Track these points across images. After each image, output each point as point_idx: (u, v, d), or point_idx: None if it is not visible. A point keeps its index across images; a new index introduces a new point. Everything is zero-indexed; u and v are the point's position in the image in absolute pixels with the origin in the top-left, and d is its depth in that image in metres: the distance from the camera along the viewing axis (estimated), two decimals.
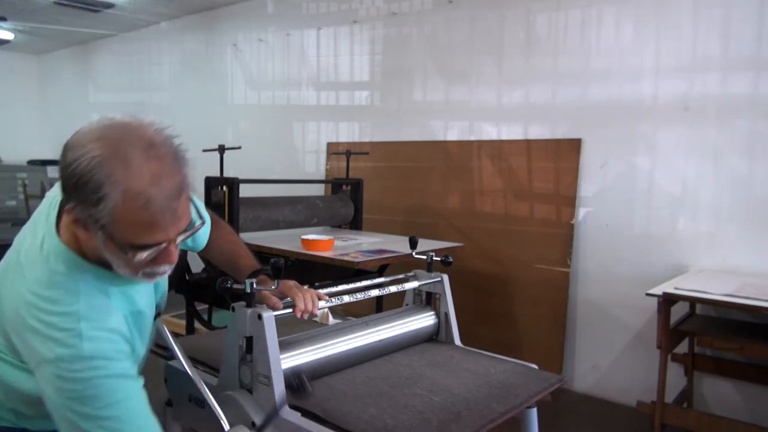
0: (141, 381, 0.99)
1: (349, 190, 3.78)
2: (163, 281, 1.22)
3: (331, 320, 1.39)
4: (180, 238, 0.94)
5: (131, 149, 0.86)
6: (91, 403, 0.91)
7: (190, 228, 0.95)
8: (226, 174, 3.21)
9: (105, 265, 0.97)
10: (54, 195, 1.06)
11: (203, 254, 1.46)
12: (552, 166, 3.43)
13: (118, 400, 0.93)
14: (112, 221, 0.86)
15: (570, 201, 3.34)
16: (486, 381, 1.36)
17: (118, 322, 0.99)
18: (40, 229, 1.03)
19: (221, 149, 3.40)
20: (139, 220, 0.87)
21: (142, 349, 1.11)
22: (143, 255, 0.91)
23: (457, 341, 1.60)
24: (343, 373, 1.35)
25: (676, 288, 2.48)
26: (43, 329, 0.93)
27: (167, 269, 0.98)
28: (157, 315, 1.20)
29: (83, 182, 0.85)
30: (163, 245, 0.92)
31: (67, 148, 0.88)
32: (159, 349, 1.49)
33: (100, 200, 0.85)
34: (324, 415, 1.14)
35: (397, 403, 1.21)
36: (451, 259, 1.60)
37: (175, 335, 1.23)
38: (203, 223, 0.99)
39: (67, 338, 0.92)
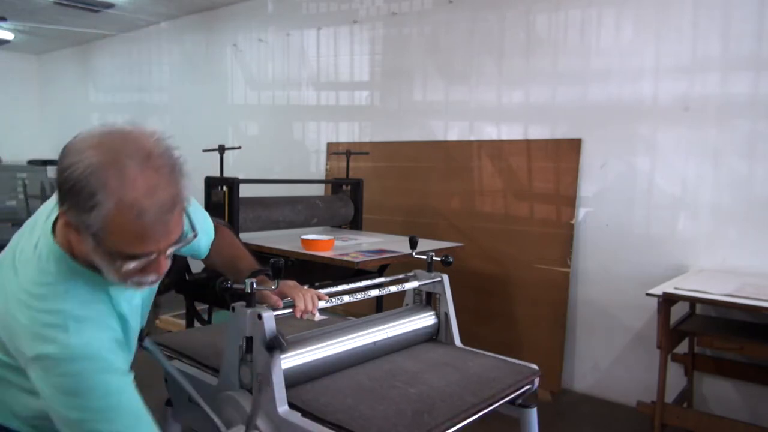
0: (131, 376, 0.99)
1: (349, 190, 3.78)
2: (148, 299, 1.21)
3: (318, 317, 1.39)
4: (170, 251, 0.94)
5: (128, 159, 0.86)
6: (83, 396, 0.92)
7: (182, 240, 0.95)
8: (226, 174, 3.21)
9: (95, 268, 0.97)
10: (54, 199, 1.06)
11: (205, 262, 1.45)
12: (552, 166, 3.43)
13: (109, 393, 0.94)
14: (104, 229, 0.86)
15: (570, 201, 3.34)
16: (463, 374, 1.38)
17: (106, 319, 1.00)
18: (38, 230, 1.04)
19: (221, 149, 3.40)
20: (131, 231, 0.87)
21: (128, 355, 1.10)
22: (132, 265, 0.91)
23: (457, 341, 1.60)
24: (342, 373, 1.35)
25: (676, 288, 2.48)
26: (32, 326, 0.93)
27: (156, 279, 0.99)
28: (146, 334, 1.20)
29: (78, 188, 0.85)
30: (153, 256, 0.92)
31: (65, 152, 0.88)
32: (176, 355, 1.49)
33: (93, 207, 0.85)
34: (303, 405, 1.15)
35: (375, 395, 1.23)
36: (451, 259, 1.60)
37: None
38: (195, 236, 0.99)
39: (55, 335, 0.92)
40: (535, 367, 1.46)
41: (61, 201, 0.90)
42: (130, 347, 1.10)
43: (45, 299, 0.95)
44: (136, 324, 1.12)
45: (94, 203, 0.85)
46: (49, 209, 1.07)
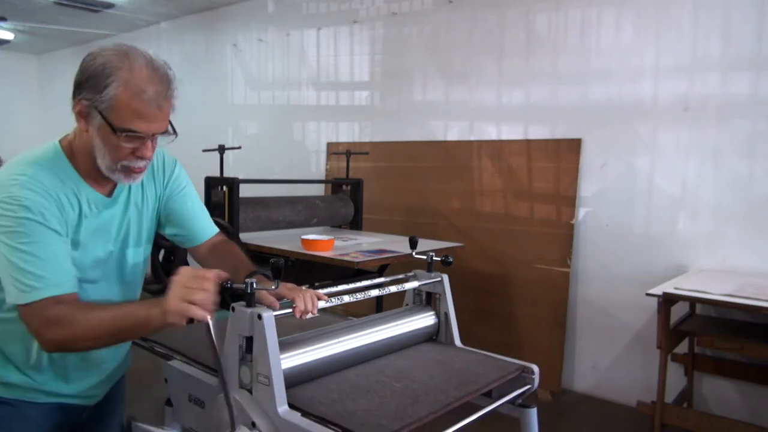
0: (66, 241, 1.16)
1: (349, 190, 3.78)
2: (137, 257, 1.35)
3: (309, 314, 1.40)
4: (159, 135, 1.16)
5: (136, 58, 1.13)
6: (16, 238, 1.08)
7: (167, 133, 1.17)
8: (226, 174, 3.22)
9: (83, 170, 1.19)
10: None
11: (207, 266, 1.46)
12: (552, 166, 3.43)
13: (39, 241, 1.10)
14: (111, 106, 1.10)
15: (570, 201, 3.34)
16: (448, 369, 1.39)
17: (58, 195, 1.15)
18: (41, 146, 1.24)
19: (221, 149, 3.40)
20: (133, 107, 1.10)
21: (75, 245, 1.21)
22: (130, 143, 1.13)
23: (457, 341, 1.60)
24: (340, 373, 1.35)
25: (676, 288, 2.48)
26: None
27: (142, 165, 1.19)
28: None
29: (95, 74, 1.10)
30: (145, 139, 1.14)
31: (87, 55, 1.14)
32: (159, 348, 1.49)
33: (106, 87, 1.09)
34: (294, 403, 1.16)
35: (360, 389, 1.25)
36: (451, 259, 1.60)
37: None
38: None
39: (9, 183, 1.10)
40: (520, 362, 1.47)
41: (78, 91, 1.13)
42: (77, 233, 1.21)
43: (18, 163, 1.15)
44: (89, 232, 1.22)
45: (107, 83, 1.09)
46: None
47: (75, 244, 1.19)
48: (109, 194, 1.26)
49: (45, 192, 1.12)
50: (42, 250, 1.09)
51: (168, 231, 1.43)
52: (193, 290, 1.02)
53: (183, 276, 1.04)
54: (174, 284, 1.03)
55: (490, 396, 1.48)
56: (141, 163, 1.18)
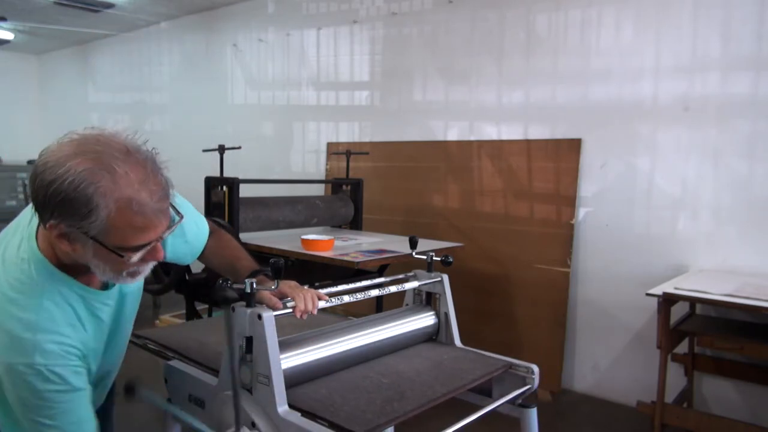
0: (88, 390, 1.05)
1: (349, 190, 3.78)
2: (132, 303, 1.24)
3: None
4: (166, 234, 1.00)
5: (112, 159, 0.90)
6: (36, 411, 0.98)
7: (172, 224, 1.01)
8: (226, 174, 3.21)
9: (76, 272, 1.03)
10: None
11: (204, 262, 1.45)
12: (552, 166, 3.43)
13: (62, 412, 0.99)
14: (106, 229, 0.91)
15: (570, 201, 3.34)
16: (436, 365, 1.41)
17: (75, 336, 1.02)
18: (20, 232, 1.07)
19: (221, 149, 3.40)
20: (134, 225, 0.92)
21: (95, 360, 1.12)
22: (137, 255, 0.97)
23: (457, 341, 1.60)
24: (340, 374, 1.35)
25: (676, 288, 2.48)
26: (2, 333, 0.97)
27: (151, 266, 1.05)
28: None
29: (70, 198, 0.88)
30: (152, 244, 0.98)
31: (41, 169, 0.90)
32: (160, 348, 1.49)
33: (91, 212, 0.89)
34: (289, 399, 1.16)
35: (348, 384, 1.26)
36: (451, 259, 1.60)
37: None
38: (182, 217, 1.03)
39: (22, 347, 0.96)
40: (507, 359, 1.48)
41: (49, 215, 0.92)
42: (99, 336, 1.12)
43: (18, 307, 0.98)
44: (116, 323, 1.15)
45: (91, 208, 0.89)
46: (33, 211, 1.06)
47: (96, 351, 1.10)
48: (103, 284, 1.12)
49: (63, 348, 0.99)
50: (67, 419, 1.00)
51: (170, 256, 1.31)
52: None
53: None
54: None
55: (490, 396, 1.49)
56: (151, 265, 1.04)
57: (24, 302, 0.98)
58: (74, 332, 1.02)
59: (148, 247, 0.97)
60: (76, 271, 1.04)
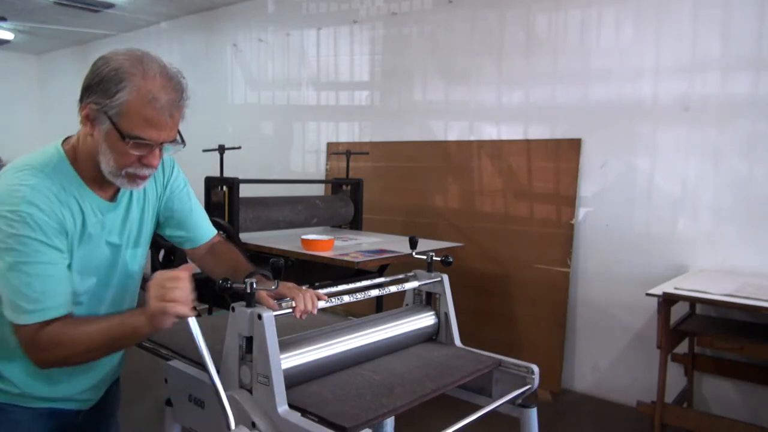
0: (65, 257, 1.13)
1: (349, 190, 3.78)
2: (142, 255, 1.35)
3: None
4: (167, 143, 1.14)
5: (150, 64, 1.11)
6: (16, 256, 1.06)
7: (176, 142, 1.16)
8: (226, 174, 3.22)
9: (87, 175, 1.17)
10: None
11: (204, 267, 1.48)
12: (552, 166, 3.43)
13: (38, 261, 1.07)
14: (122, 111, 1.08)
15: (570, 201, 3.34)
16: (426, 362, 1.42)
17: (60, 208, 1.12)
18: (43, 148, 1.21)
19: (221, 149, 3.40)
20: (144, 114, 1.08)
21: (82, 258, 1.19)
22: (138, 150, 1.11)
23: (457, 341, 1.60)
24: (341, 374, 1.35)
25: (676, 288, 2.48)
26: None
27: (147, 173, 1.17)
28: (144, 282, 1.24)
29: (107, 78, 1.08)
30: (153, 146, 1.12)
31: (98, 59, 1.12)
32: (160, 348, 1.49)
33: (117, 92, 1.07)
34: (289, 399, 1.17)
35: (338, 381, 1.28)
36: (451, 259, 1.60)
37: None
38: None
39: (11, 194, 1.08)
40: (498, 356, 1.48)
41: (87, 94, 1.10)
42: (81, 245, 1.19)
43: (22, 170, 1.12)
44: (98, 236, 1.22)
45: (119, 89, 1.07)
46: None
47: (76, 250, 1.17)
48: (112, 198, 1.25)
49: (49, 206, 1.10)
50: (39, 272, 1.07)
51: (168, 232, 1.42)
52: (170, 289, 1.03)
53: (157, 279, 1.05)
54: (151, 288, 1.04)
55: (490, 396, 1.49)
56: (146, 171, 1.16)
57: (25, 172, 1.11)
58: (60, 205, 1.12)
59: (149, 147, 1.11)
60: (87, 176, 1.18)
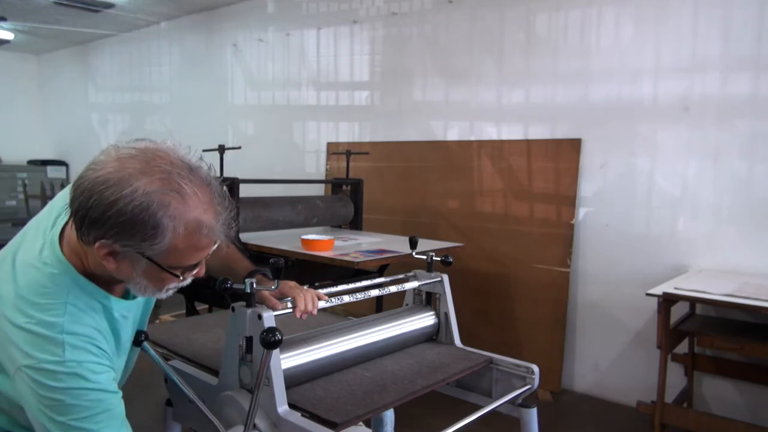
0: (120, 394, 1.00)
1: (349, 190, 3.78)
2: (146, 308, 1.23)
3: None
4: (213, 248, 0.99)
5: (180, 179, 0.88)
6: (68, 413, 0.91)
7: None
8: (226, 174, 3.21)
9: (101, 283, 1.01)
10: (61, 205, 1.05)
11: None
12: (552, 166, 3.43)
13: (96, 413, 0.93)
14: (167, 250, 0.90)
15: (570, 201, 3.34)
16: (419, 360, 1.44)
17: (101, 337, 1.00)
18: (42, 237, 1.03)
19: (221, 149, 3.40)
20: (198, 246, 0.92)
21: (119, 368, 1.11)
22: (190, 274, 0.98)
23: (457, 341, 1.60)
24: (341, 374, 1.35)
25: (676, 288, 2.48)
26: (27, 335, 0.92)
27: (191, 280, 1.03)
28: (144, 339, 1.20)
29: (137, 220, 0.85)
30: (202, 260, 0.99)
31: (102, 187, 0.86)
32: (160, 349, 1.49)
33: (157, 234, 0.87)
34: (289, 399, 1.18)
35: (331, 378, 1.29)
36: (451, 259, 1.60)
37: None
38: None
39: (50, 346, 0.92)
40: (488, 354, 1.49)
41: (103, 234, 0.88)
42: (120, 355, 1.11)
43: (44, 310, 0.94)
44: (127, 335, 1.12)
45: (158, 231, 0.86)
46: (55, 215, 1.05)
47: (116, 358, 1.07)
48: (124, 291, 1.10)
49: (93, 345, 0.95)
50: (104, 425, 0.94)
51: None
52: None
53: None
54: None
55: (490, 396, 1.49)
56: (190, 280, 1.02)
57: (48, 305, 0.94)
58: (100, 336, 0.99)
59: (200, 265, 0.98)
60: (100, 280, 1.01)
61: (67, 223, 0.99)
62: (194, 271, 0.99)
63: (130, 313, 1.11)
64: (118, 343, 1.07)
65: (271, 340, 1.03)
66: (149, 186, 0.85)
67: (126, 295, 1.10)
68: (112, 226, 0.86)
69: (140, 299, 1.14)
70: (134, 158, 0.88)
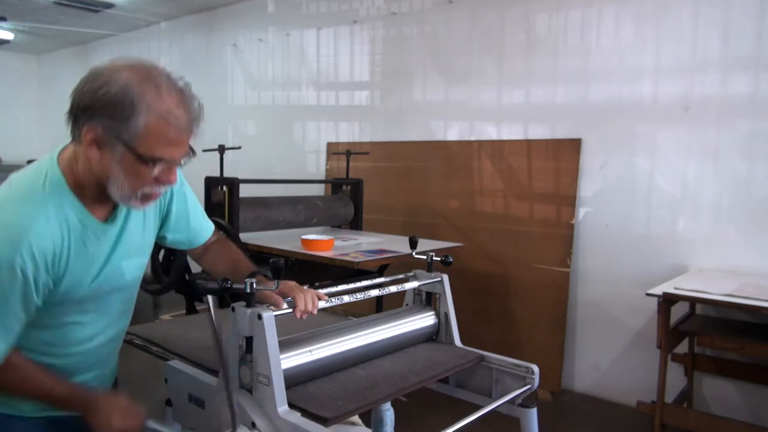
0: (38, 290, 1.07)
1: (349, 190, 3.78)
2: (141, 263, 1.29)
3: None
4: (183, 160, 1.10)
5: (159, 78, 1.03)
6: None
7: (188, 155, 1.11)
8: (226, 174, 3.21)
9: (86, 199, 1.11)
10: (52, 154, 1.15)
11: (204, 265, 1.47)
12: (552, 166, 3.43)
13: (8, 293, 1.03)
14: (139, 135, 1.00)
15: (570, 201, 3.34)
16: (411, 358, 1.46)
17: (52, 244, 1.06)
18: (37, 163, 1.14)
19: (221, 149, 3.40)
20: (166, 135, 1.02)
21: (91, 273, 1.16)
22: (158, 168, 1.05)
23: (457, 341, 1.60)
24: (341, 374, 1.35)
25: (676, 288, 2.48)
26: None
27: (161, 191, 1.13)
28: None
29: (117, 100, 0.99)
30: (172, 165, 1.08)
31: (94, 76, 1.01)
32: (159, 350, 1.50)
33: (131, 116, 0.99)
34: (289, 399, 1.19)
35: (328, 378, 1.31)
36: (451, 259, 1.60)
37: None
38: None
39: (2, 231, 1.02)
40: (480, 352, 1.50)
41: (90, 116, 1.01)
42: (88, 265, 1.15)
43: (20, 207, 1.04)
44: (101, 253, 1.17)
45: (133, 112, 0.99)
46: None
47: (70, 270, 1.12)
48: (110, 215, 1.18)
49: (40, 250, 1.04)
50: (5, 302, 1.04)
51: (170, 236, 1.36)
52: (122, 422, 1.13)
53: (120, 405, 1.15)
54: (111, 405, 1.14)
55: (490, 396, 1.49)
56: (162, 189, 1.11)
57: (24, 205, 1.05)
58: (51, 246, 1.06)
59: (167, 165, 1.06)
60: (86, 196, 1.10)
61: (84, 132, 1.07)
62: (161, 167, 1.05)
63: (105, 236, 1.16)
64: (83, 252, 1.13)
65: (205, 288, 1.11)
66: (132, 77, 1.00)
67: (106, 220, 1.18)
68: (99, 107, 0.99)
69: (117, 228, 1.19)
70: (124, 60, 1.05)
